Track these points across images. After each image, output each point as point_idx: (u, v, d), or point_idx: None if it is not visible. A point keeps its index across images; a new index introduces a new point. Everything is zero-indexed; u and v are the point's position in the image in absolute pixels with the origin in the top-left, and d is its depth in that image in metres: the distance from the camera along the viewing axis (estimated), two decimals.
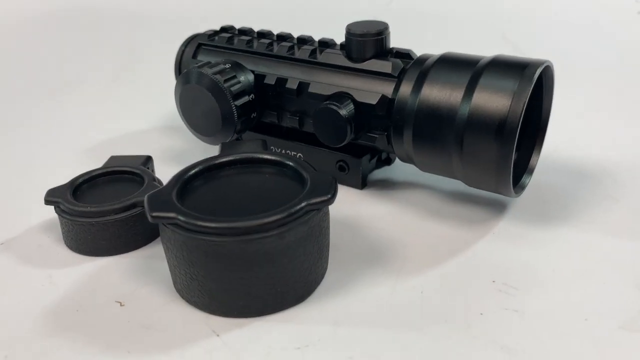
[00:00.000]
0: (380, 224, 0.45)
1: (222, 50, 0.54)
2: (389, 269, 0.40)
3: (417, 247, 0.42)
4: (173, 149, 0.59)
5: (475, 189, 0.49)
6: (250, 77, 0.51)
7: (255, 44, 0.53)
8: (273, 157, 0.41)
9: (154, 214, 0.35)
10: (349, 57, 0.47)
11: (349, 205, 0.48)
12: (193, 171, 0.40)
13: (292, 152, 0.53)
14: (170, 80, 0.75)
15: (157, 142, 0.61)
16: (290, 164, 0.40)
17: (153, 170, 0.50)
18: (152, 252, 0.43)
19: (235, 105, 0.48)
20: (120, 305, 0.38)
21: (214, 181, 0.40)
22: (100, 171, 0.47)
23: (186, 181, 0.40)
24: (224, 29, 0.57)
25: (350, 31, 0.46)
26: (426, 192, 0.50)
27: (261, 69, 0.51)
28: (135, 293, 0.39)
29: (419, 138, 0.43)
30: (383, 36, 0.46)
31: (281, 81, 0.50)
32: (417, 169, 0.49)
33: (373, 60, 0.46)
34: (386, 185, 0.51)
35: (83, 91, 0.78)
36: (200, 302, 0.37)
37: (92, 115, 0.70)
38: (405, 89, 0.44)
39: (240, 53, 0.53)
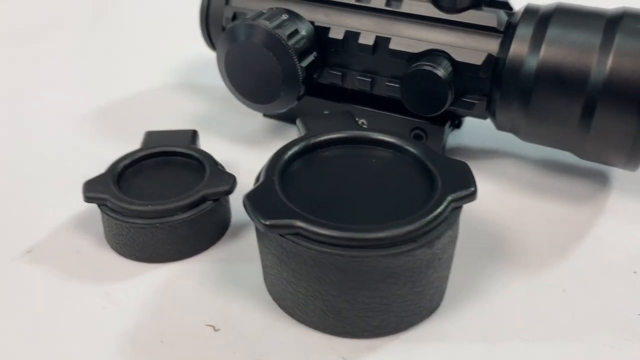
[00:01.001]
0: (478, 205, 0.39)
1: None
2: (513, 262, 0.35)
3: (534, 234, 0.37)
4: (199, 113, 0.50)
5: (565, 156, 0.44)
6: (310, 29, 0.42)
7: None
8: (390, 139, 0.34)
9: (269, 222, 0.27)
10: (438, 7, 0.40)
11: None
12: (290, 153, 0.33)
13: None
14: (175, 22, 0.64)
15: (174, 104, 0.52)
16: (411, 149, 0.33)
17: (198, 142, 0.41)
18: (223, 252, 0.36)
19: (301, 67, 0.40)
20: (214, 329, 0.31)
21: (316, 167, 0.33)
22: (143, 153, 0.38)
23: (284, 169, 0.32)
24: None
25: None
26: (511, 161, 0.44)
27: (323, 19, 0.42)
28: (226, 311, 0.32)
29: (536, 106, 0.37)
30: None
31: (351, 36, 0.41)
32: (488, 132, 0.44)
33: (471, 12, 0.39)
34: (464, 153, 0.45)
35: (57, 39, 0.65)
36: (320, 323, 0.30)
37: (76, 70, 0.59)
38: (519, 47, 0.37)
39: (293, 1, 0.44)
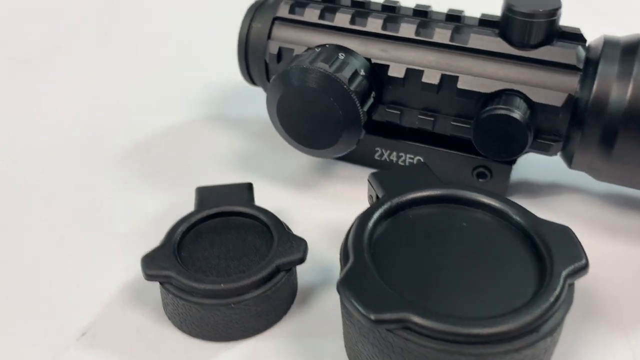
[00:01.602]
0: None
1: (313, 27, 0.41)
2: (606, 323, 0.33)
3: (624, 284, 0.35)
4: (235, 150, 0.47)
5: (631, 190, 0.41)
6: (367, 66, 0.39)
7: (363, 19, 0.40)
8: (485, 199, 0.31)
9: (377, 317, 0.25)
10: (509, 42, 0.37)
11: None
12: (375, 219, 0.30)
13: (409, 156, 0.42)
14: (199, 46, 0.60)
15: (206, 140, 0.48)
16: (508, 210, 0.30)
17: (253, 195, 0.38)
18: (296, 324, 0.33)
19: (363, 111, 0.37)
20: None
21: (405, 235, 0.30)
22: (201, 215, 0.34)
23: (371, 240, 0.29)
24: None
25: (513, 8, 0.36)
26: (579, 196, 0.42)
27: (380, 55, 0.39)
28: None
29: (622, 147, 0.34)
30: (556, 17, 0.36)
31: (413, 73, 0.38)
32: (547, 163, 0.41)
33: (547, 48, 0.36)
34: (525, 189, 0.43)
35: (67, 56, 0.61)
36: None
37: (92, 106, 0.54)
38: (603, 85, 0.34)
39: (344, 33, 0.40)
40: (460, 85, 0.37)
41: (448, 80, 0.38)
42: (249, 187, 0.37)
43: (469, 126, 0.38)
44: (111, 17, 0.69)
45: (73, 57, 0.61)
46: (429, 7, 0.41)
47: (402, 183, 0.33)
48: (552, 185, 0.43)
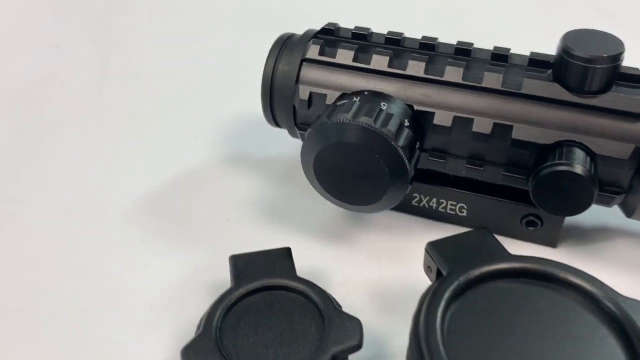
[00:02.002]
0: None
1: (347, 70, 0.38)
2: None
3: None
4: (257, 196, 0.43)
5: None
6: (409, 114, 0.36)
7: (401, 60, 0.37)
8: (565, 275, 0.28)
9: None
10: (567, 88, 0.34)
11: None
12: (444, 301, 0.27)
13: (450, 203, 0.39)
14: (210, 76, 0.56)
15: (224, 184, 0.44)
16: (589, 288, 0.27)
17: (293, 262, 0.35)
18: None
19: (410, 166, 0.34)
20: None
21: (479, 316, 0.27)
22: (239, 292, 0.31)
23: (443, 327, 0.26)
24: (328, 31, 0.40)
25: (571, 51, 0.33)
26: (634, 242, 0.39)
27: (423, 101, 0.36)
28: None
29: None
30: (619, 61, 0.33)
31: (462, 122, 0.35)
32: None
33: (609, 95, 0.33)
34: (574, 233, 0.40)
35: (61, 96, 0.57)
36: None
37: (88, 138, 0.50)
38: None
39: (381, 76, 0.37)
40: (515, 135, 0.34)
41: (501, 130, 0.35)
42: (287, 253, 0.34)
43: (522, 177, 0.35)
44: (108, 49, 0.64)
45: (67, 93, 0.57)
46: (471, 45, 0.38)
47: (466, 254, 0.30)
48: (604, 230, 0.40)
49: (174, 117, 0.52)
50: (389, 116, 0.34)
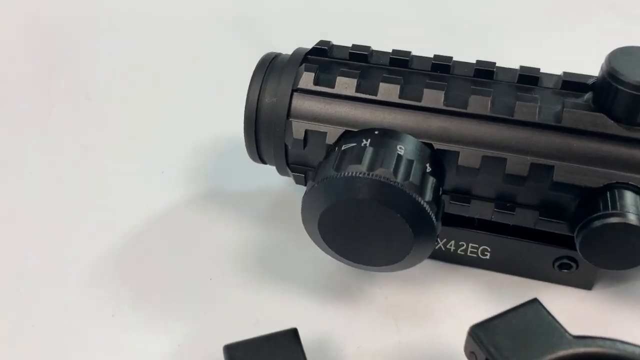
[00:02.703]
0: None
1: (350, 102, 0.31)
2: None
3: None
4: (245, 247, 0.37)
5: None
6: (427, 154, 0.30)
7: (415, 88, 0.31)
8: None
9: None
10: (615, 119, 0.29)
11: (591, 325, 0.32)
12: None
13: (472, 245, 0.34)
14: (179, 100, 0.48)
15: (205, 233, 0.38)
16: None
17: (302, 347, 0.29)
18: None
19: (437, 222, 0.28)
20: None
21: None
22: None
23: None
24: (320, 51, 0.33)
25: (619, 76, 0.27)
26: None
27: (442, 137, 0.30)
28: None
29: None
30: None
31: (493, 162, 0.30)
32: None
33: None
34: (612, 272, 0.35)
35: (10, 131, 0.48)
36: None
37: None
38: None
39: (392, 109, 0.31)
40: (557, 177, 0.29)
41: (539, 170, 0.29)
42: (294, 335, 0.28)
43: (562, 222, 0.30)
44: (54, 65, 0.55)
45: (8, 121, 0.48)
46: (493, 65, 0.32)
47: (520, 339, 0.24)
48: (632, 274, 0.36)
49: (135, 147, 0.44)
50: (410, 164, 0.28)
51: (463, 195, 0.31)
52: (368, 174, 0.27)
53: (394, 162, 0.27)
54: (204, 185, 0.41)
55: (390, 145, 0.28)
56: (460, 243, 0.34)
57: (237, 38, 0.55)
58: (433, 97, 0.30)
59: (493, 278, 0.35)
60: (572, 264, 0.33)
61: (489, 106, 0.30)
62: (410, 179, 0.27)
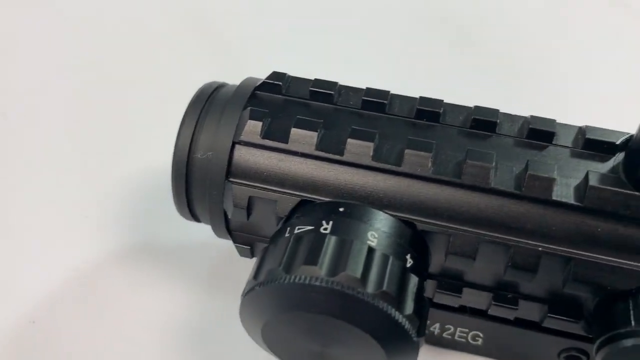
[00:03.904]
0: None
1: (307, 159, 0.24)
2: None
3: None
4: (180, 321, 0.30)
5: None
6: (409, 236, 0.23)
7: (392, 146, 0.23)
8: None
9: None
10: (636, 183, 0.22)
11: None
12: None
13: (461, 330, 0.27)
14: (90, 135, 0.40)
15: (129, 304, 0.30)
16: None
17: None
18: None
19: (419, 338, 0.21)
20: None
21: None
22: None
23: None
24: (272, 86, 0.26)
25: None
26: None
27: (427, 214, 0.23)
28: None
29: None
30: None
31: (492, 249, 0.22)
32: None
33: None
34: None
35: None
36: None
37: None
38: None
39: (363, 172, 0.23)
40: (576, 273, 0.22)
41: (552, 262, 0.22)
42: None
43: (576, 321, 0.24)
44: None
45: None
46: (496, 113, 0.25)
47: None
48: None
49: (53, 180, 0.36)
50: (384, 262, 0.21)
51: (453, 281, 0.24)
52: (327, 282, 0.20)
53: (363, 262, 0.20)
54: (135, 234, 0.33)
55: (359, 233, 0.21)
56: (446, 327, 0.28)
57: (190, 38, 0.46)
58: (416, 160, 0.23)
59: None
60: (583, 357, 0.27)
61: (490, 177, 0.22)
62: (384, 287, 0.20)
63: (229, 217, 0.25)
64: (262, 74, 0.27)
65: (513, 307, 0.24)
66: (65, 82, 0.42)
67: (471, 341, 0.28)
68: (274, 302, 0.21)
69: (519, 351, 0.28)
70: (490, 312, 0.25)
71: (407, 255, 0.22)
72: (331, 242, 0.21)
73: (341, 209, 0.22)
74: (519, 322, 0.26)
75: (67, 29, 0.46)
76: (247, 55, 0.44)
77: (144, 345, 0.29)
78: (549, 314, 0.24)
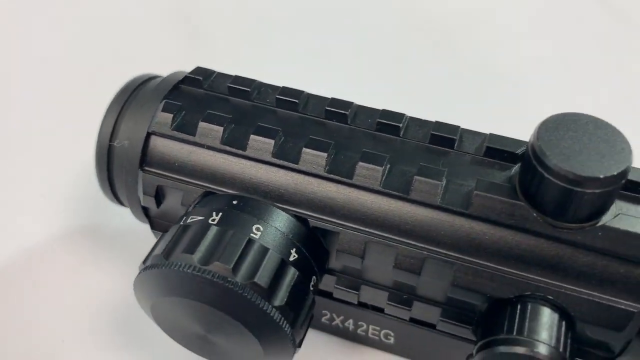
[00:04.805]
0: None
1: (213, 152, 0.25)
2: None
3: None
4: (108, 300, 0.31)
5: None
6: (301, 233, 0.23)
7: (294, 144, 0.24)
8: None
9: None
10: (539, 208, 0.22)
11: None
12: None
13: (373, 327, 0.28)
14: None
15: (64, 281, 0.32)
16: None
17: None
18: None
19: (295, 331, 0.22)
20: None
21: None
22: None
23: None
24: (194, 81, 0.27)
25: (548, 164, 0.20)
26: None
27: (320, 211, 0.23)
28: None
29: None
30: (623, 180, 0.21)
31: (380, 250, 0.23)
32: None
33: (603, 227, 0.21)
34: None
35: None
36: None
37: None
38: None
39: (265, 166, 0.24)
40: (458, 279, 0.22)
41: (436, 267, 0.23)
42: None
43: (468, 327, 0.24)
44: None
45: None
46: (402, 117, 0.25)
47: None
48: None
49: (15, 159, 0.38)
50: (262, 254, 0.21)
51: (352, 279, 0.25)
52: (199, 270, 0.21)
53: (239, 253, 0.21)
54: (86, 217, 0.35)
55: (244, 225, 0.22)
56: (359, 323, 0.28)
57: (166, 27, 0.48)
58: (313, 160, 0.23)
59: None
60: None
61: (381, 178, 0.23)
62: (255, 279, 0.21)
63: (141, 204, 0.26)
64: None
65: (406, 307, 0.24)
66: (26, 64, 0.44)
67: (384, 339, 0.29)
68: (157, 286, 0.22)
69: (429, 353, 0.28)
70: (386, 311, 0.25)
71: (292, 249, 0.22)
72: (212, 233, 0.22)
73: (235, 202, 0.23)
74: (422, 324, 0.27)
75: (38, 12, 0.49)
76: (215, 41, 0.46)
77: (77, 320, 0.30)
78: (441, 318, 0.24)
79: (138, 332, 0.30)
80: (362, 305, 0.26)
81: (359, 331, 0.29)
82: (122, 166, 0.26)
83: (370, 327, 0.28)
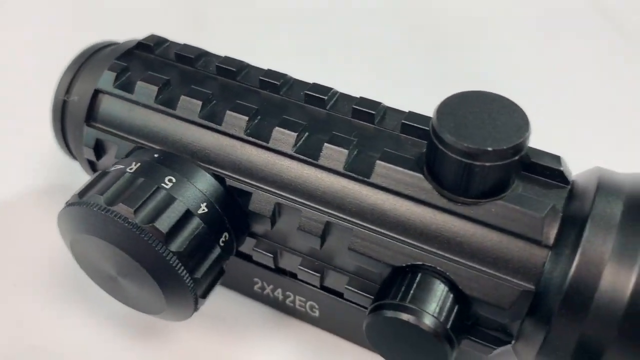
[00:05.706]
0: None
1: (146, 111, 0.26)
2: None
3: None
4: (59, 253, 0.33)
5: None
6: (217, 192, 0.25)
7: (220, 108, 0.25)
8: None
9: None
10: (439, 183, 0.22)
11: None
12: None
13: (299, 298, 0.29)
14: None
15: (20, 230, 0.33)
16: None
17: None
18: None
19: (194, 278, 0.23)
20: None
21: None
22: None
23: None
24: (146, 47, 0.29)
25: (443, 136, 0.21)
26: None
27: (236, 172, 0.25)
28: None
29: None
30: (519, 154, 0.21)
31: (287, 211, 0.24)
32: None
33: (499, 204, 0.21)
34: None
35: None
36: None
37: None
38: (587, 268, 0.20)
39: (192, 126, 0.25)
40: (354, 244, 0.23)
41: (337, 232, 0.23)
42: None
43: (370, 297, 0.25)
44: None
45: None
46: (329, 90, 0.26)
47: None
48: None
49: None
50: (168, 201, 0.23)
51: (269, 242, 0.26)
52: (104, 210, 0.22)
53: (144, 198, 0.22)
54: (58, 175, 0.37)
55: (155, 175, 0.23)
56: (287, 293, 0.29)
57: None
58: (234, 122, 0.25)
59: (324, 339, 0.30)
60: None
61: (294, 143, 0.24)
62: (155, 223, 0.22)
63: (84, 156, 0.28)
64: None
65: (316, 274, 0.25)
66: (30, 53, 0.47)
67: (310, 312, 0.29)
68: (73, 223, 0.23)
69: (353, 329, 0.28)
70: (298, 276, 0.26)
71: (203, 203, 0.24)
72: (124, 178, 0.23)
73: (155, 155, 0.25)
74: (333, 292, 0.27)
75: None
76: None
77: (28, 276, 0.32)
78: (346, 286, 0.25)
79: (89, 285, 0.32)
80: (280, 270, 0.27)
81: (287, 302, 0.30)
82: (72, 120, 0.28)
83: (297, 297, 0.29)
